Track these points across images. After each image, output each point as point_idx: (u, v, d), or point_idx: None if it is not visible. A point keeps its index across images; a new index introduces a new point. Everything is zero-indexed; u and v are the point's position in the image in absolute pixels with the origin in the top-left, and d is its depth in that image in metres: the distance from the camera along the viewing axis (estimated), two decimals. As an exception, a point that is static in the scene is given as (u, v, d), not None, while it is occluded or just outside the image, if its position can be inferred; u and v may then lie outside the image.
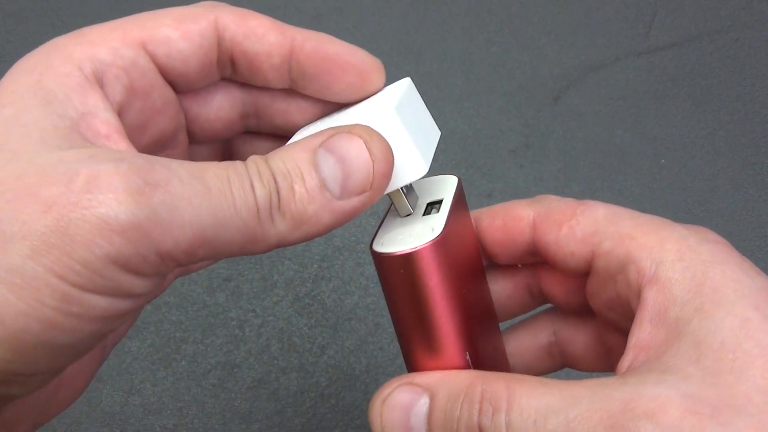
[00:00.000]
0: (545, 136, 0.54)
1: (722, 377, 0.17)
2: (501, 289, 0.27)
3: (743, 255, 0.22)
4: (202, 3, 0.22)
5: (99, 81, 0.20)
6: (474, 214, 0.26)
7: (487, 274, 0.27)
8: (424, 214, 0.23)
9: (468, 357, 0.22)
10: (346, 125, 0.20)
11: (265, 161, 0.19)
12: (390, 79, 0.24)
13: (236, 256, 0.19)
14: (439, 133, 0.24)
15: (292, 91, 0.24)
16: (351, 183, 0.20)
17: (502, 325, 0.27)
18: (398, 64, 0.56)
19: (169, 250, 0.17)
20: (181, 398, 0.43)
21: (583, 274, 0.23)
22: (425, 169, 0.21)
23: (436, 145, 0.23)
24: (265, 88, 0.24)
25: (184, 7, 0.22)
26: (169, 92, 0.22)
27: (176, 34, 0.21)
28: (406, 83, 0.23)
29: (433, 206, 0.23)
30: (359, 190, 0.20)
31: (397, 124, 0.21)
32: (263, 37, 0.22)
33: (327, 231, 0.20)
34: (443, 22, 0.59)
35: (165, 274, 0.18)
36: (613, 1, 0.60)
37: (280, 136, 0.26)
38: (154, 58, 0.21)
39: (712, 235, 0.21)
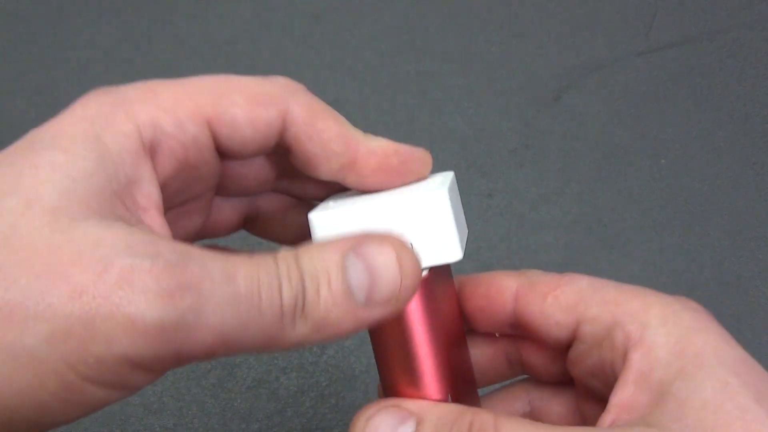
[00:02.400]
0: (545, 136, 0.54)
1: None
2: (480, 354, 0.27)
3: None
4: (280, 81, 0.22)
5: (153, 149, 0.20)
6: (458, 279, 0.26)
7: (468, 339, 0.27)
8: None
9: (450, 399, 0.22)
10: (379, 234, 0.20)
11: (295, 260, 0.19)
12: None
13: (246, 353, 0.19)
14: (467, 231, 0.25)
15: None
16: (377, 293, 0.19)
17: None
18: (398, 64, 0.56)
19: (189, 351, 0.17)
20: (181, 398, 0.43)
21: (564, 344, 0.24)
22: (460, 256, 0.22)
23: (466, 241, 0.24)
24: None
25: (260, 82, 0.21)
26: (216, 164, 0.22)
27: (245, 119, 0.21)
28: (451, 175, 0.24)
29: None
30: (384, 301, 0.19)
31: (447, 204, 0.21)
32: (327, 143, 0.22)
33: (346, 335, 0.19)
34: (443, 22, 0.59)
35: (174, 369, 0.18)
36: (613, 1, 0.60)
37: (307, 198, 0.26)
38: (215, 136, 0.21)
39: (693, 304, 0.22)
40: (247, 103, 0.21)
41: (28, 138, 0.19)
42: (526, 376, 0.27)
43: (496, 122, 0.54)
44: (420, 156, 0.24)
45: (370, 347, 0.24)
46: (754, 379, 0.19)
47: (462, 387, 0.24)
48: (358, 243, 0.19)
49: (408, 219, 0.22)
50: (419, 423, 0.21)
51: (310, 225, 0.22)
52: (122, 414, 0.43)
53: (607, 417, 0.20)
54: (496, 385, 0.28)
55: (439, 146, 0.52)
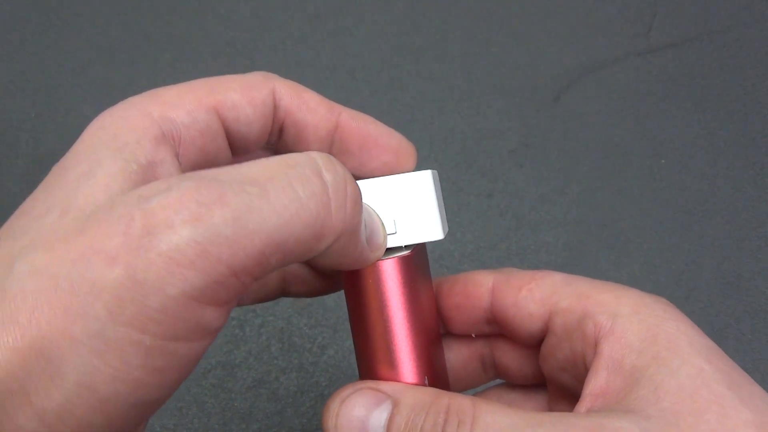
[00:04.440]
0: (545, 136, 0.54)
1: (682, 418, 0.18)
2: (455, 357, 0.27)
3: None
4: (258, 72, 0.24)
5: (175, 140, 0.21)
6: (435, 280, 0.26)
7: (443, 343, 0.27)
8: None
9: (426, 382, 0.22)
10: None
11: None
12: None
13: (301, 260, 0.19)
14: (447, 227, 0.26)
15: None
16: (374, 238, 0.22)
17: None
18: (398, 64, 0.56)
19: (243, 265, 0.17)
20: (181, 398, 0.43)
21: (537, 338, 0.24)
22: (441, 235, 0.23)
23: (447, 230, 0.25)
24: None
25: (244, 75, 0.24)
26: (229, 156, 0.24)
27: (244, 101, 0.23)
28: (431, 172, 0.25)
29: None
30: (374, 247, 0.22)
31: (430, 184, 0.23)
32: (314, 109, 0.24)
33: (347, 261, 0.21)
34: (443, 22, 0.59)
35: (241, 294, 0.18)
36: (613, 1, 0.60)
37: None
38: (224, 122, 0.23)
39: (664, 300, 0.22)
40: (241, 89, 0.23)
41: (58, 165, 0.20)
42: (499, 381, 0.28)
43: (496, 122, 0.54)
44: (398, 138, 0.25)
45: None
46: (726, 366, 0.19)
47: (439, 376, 0.24)
48: None
49: (393, 197, 0.23)
50: (395, 405, 0.20)
51: None
52: (122, 414, 0.43)
53: (582, 405, 0.20)
54: (471, 390, 0.28)
55: (439, 146, 0.52)
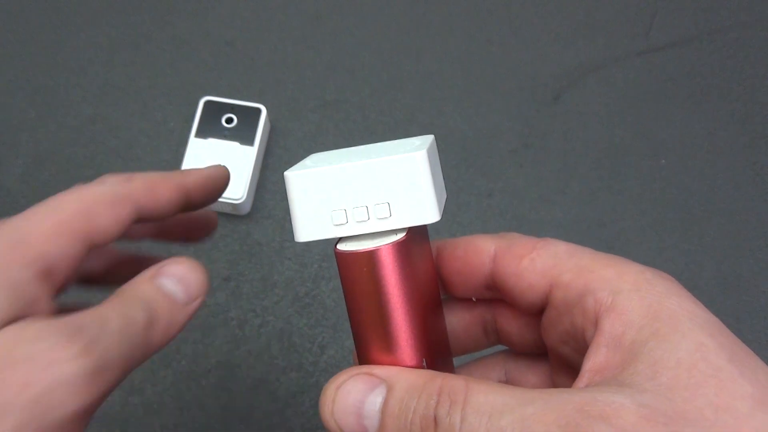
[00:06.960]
0: (545, 136, 0.54)
1: (677, 392, 0.18)
2: (456, 321, 0.27)
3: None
4: (116, 182, 0.25)
5: (51, 273, 0.22)
6: (435, 243, 0.26)
7: (444, 307, 0.27)
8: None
9: (425, 364, 0.22)
10: (173, 258, 0.25)
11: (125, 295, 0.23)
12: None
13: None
14: (446, 195, 0.25)
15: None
16: (193, 290, 0.24)
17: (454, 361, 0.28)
18: (398, 64, 0.56)
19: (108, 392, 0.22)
20: (181, 398, 0.44)
21: (538, 308, 0.24)
22: (438, 217, 0.22)
23: (444, 203, 0.24)
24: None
25: (108, 189, 0.25)
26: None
27: (111, 223, 0.24)
28: (431, 138, 0.25)
29: None
30: (199, 293, 0.25)
31: (425, 166, 0.22)
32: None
33: (183, 327, 0.24)
34: (443, 22, 0.59)
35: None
36: (613, 1, 0.60)
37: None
38: (92, 245, 0.24)
39: (666, 275, 0.22)
40: (107, 211, 0.24)
41: None
42: (502, 348, 0.27)
43: (496, 122, 0.54)
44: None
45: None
46: (728, 340, 0.19)
47: (437, 354, 0.24)
48: (159, 268, 0.24)
49: (387, 179, 0.22)
50: (389, 389, 0.21)
51: (286, 183, 0.23)
52: (122, 414, 0.43)
53: (581, 381, 0.20)
54: (474, 356, 0.28)
55: (439, 146, 0.52)
